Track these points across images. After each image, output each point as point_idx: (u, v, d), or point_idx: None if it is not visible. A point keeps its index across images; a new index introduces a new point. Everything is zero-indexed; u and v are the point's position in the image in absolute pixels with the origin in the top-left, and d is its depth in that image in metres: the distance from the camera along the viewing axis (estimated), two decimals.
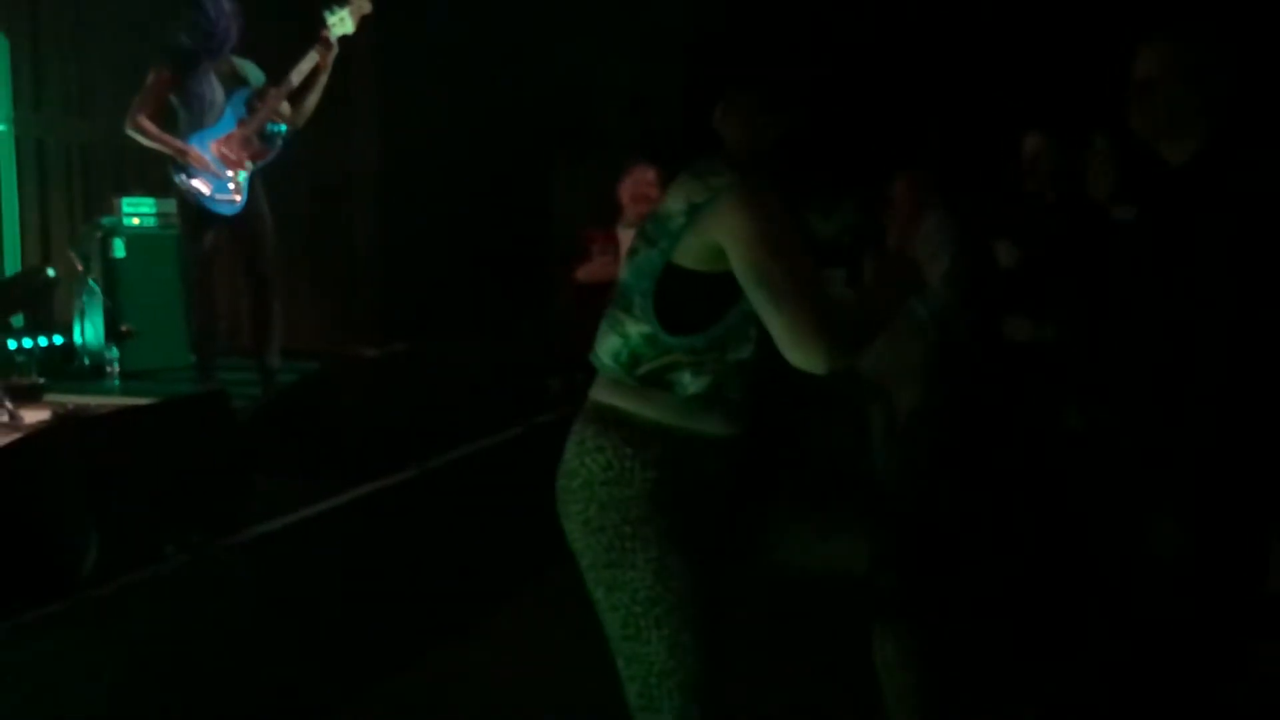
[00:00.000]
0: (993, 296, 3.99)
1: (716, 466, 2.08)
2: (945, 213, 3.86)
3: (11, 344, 5.68)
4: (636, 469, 2.01)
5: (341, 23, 4.90)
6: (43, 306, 6.15)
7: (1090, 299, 3.53)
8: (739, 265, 1.90)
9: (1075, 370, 3.68)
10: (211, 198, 4.89)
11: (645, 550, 1.99)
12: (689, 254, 1.96)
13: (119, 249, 6.06)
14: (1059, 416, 3.75)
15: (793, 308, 1.86)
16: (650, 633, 2.00)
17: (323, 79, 4.97)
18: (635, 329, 2.01)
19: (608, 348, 2.06)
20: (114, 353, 5.78)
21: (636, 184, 4.68)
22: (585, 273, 4.95)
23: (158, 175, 5.47)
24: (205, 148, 4.87)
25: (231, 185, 4.90)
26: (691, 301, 1.98)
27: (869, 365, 4.03)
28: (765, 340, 1.95)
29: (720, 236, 1.92)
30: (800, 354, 1.87)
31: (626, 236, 4.55)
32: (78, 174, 6.93)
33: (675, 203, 1.98)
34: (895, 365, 3.94)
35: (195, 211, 4.94)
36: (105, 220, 6.17)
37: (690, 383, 2.00)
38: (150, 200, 6.21)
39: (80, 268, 5.97)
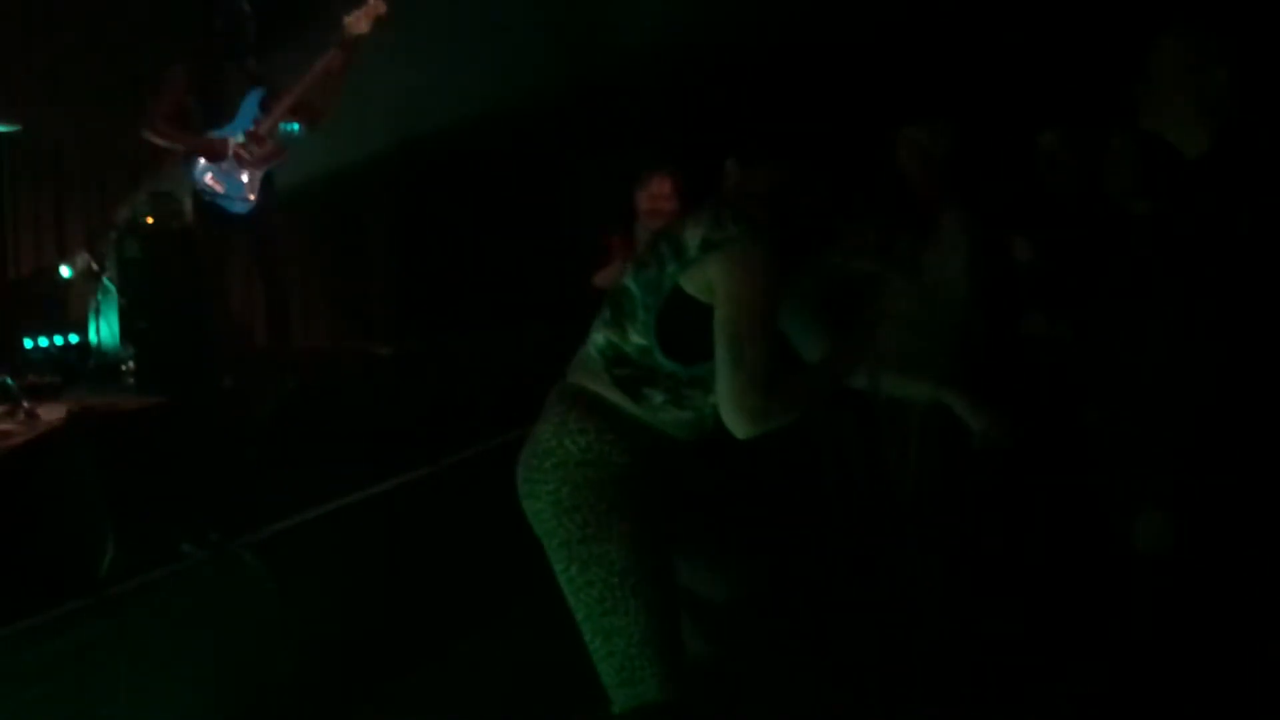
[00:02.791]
0: (1010, 293, 3.97)
1: (683, 459, 2.23)
2: (963, 209, 3.84)
3: (28, 343, 5.71)
4: (615, 454, 2.11)
5: (357, 23, 4.90)
6: (58, 306, 6.17)
7: (1107, 294, 3.51)
8: (716, 317, 2.04)
9: (1092, 366, 3.67)
10: (226, 197, 4.90)
11: (620, 524, 2.09)
12: (694, 282, 2.08)
13: (133, 249, 6.08)
14: (1076, 412, 3.73)
15: (741, 379, 2.00)
16: (627, 602, 2.07)
17: (339, 80, 4.97)
18: (634, 338, 2.12)
19: (597, 341, 2.18)
20: (129, 352, 5.79)
21: (654, 198, 4.64)
22: (603, 277, 4.94)
23: (173, 175, 5.48)
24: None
25: (246, 185, 4.91)
26: (691, 329, 2.09)
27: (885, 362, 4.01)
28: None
29: (714, 281, 2.05)
30: (729, 418, 2.03)
31: (640, 239, 4.53)
32: (94, 174, 6.96)
33: (694, 233, 2.08)
34: (911, 362, 3.92)
35: (210, 211, 4.96)
36: (120, 220, 6.19)
37: (659, 404, 2.14)
38: (165, 199, 6.22)
39: (96, 267, 5.98)
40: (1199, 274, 2.20)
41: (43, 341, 5.81)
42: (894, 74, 5.70)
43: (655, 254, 2.13)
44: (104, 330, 6.01)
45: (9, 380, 4.57)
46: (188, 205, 5.27)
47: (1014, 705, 3.13)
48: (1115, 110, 3.66)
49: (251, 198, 4.93)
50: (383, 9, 4.96)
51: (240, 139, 4.90)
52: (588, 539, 2.09)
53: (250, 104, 4.96)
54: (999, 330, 3.93)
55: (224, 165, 4.88)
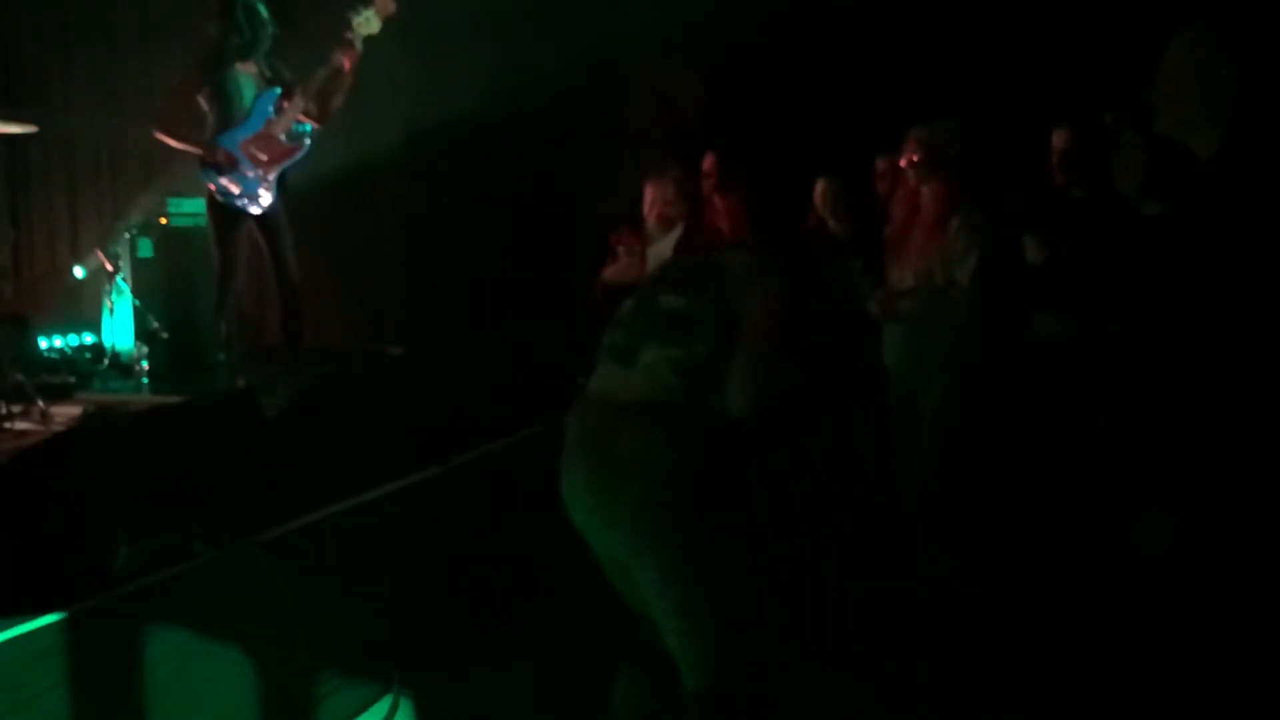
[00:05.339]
0: (1021, 293, 3.96)
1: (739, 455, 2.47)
2: (974, 208, 3.83)
3: (42, 343, 5.75)
4: (695, 460, 2.29)
5: (367, 23, 4.91)
6: (72, 306, 6.21)
7: (1119, 295, 3.51)
8: (745, 322, 2.32)
9: (1103, 367, 3.66)
10: (240, 196, 4.91)
11: (699, 520, 2.28)
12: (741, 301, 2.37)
13: (146, 249, 6.11)
14: (1086, 413, 3.72)
15: (750, 370, 2.29)
16: (713, 587, 2.26)
17: (348, 79, 4.98)
18: (698, 347, 2.34)
19: (645, 360, 2.36)
20: (142, 351, 5.82)
21: (661, 197, 4.62)
22: (612, 273, 4.94)
23: (186, 175, 5.50)
24: (234, 148, 4.90)
25: (260, 185, 4.93)
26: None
27: (895, 362, 4.02)
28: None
29: (751, 295, 2.36)
30: (733, 399, 2.30)
31: (653, 242, 4.53)
32: (106, 174, 6.99)
33: (741, 259, 2.44)
34: (921, 362, 3.92)
35: (224, 211, 4.97)
36: (134, 220, 6.22)
37: (713, 402, 2.32)
38: (178, 200, 6.26)
39: (110, 268, 6.01)
40: (1209, 275, 2.19)
41: (57, 341, 5.85)
42: (904, 73, 5.69)
43: (703, 279, 2.43)
44: (117, 330, 6.06)
45: (23, 379, 4.61)
46: (202, 206, 5.29)
47: (1014, 705, 3.12)
48: (1126, 110, 3.66)
49: (266, 197, 4.94)
50: (392, 8, 4.97)
51: (253, 140, 4.91)
52: (671, 537, 2.27)
53: (264, 104, 4.97)
54: (1009, 331, 3.92)
55: (238, 165, 4.90)
